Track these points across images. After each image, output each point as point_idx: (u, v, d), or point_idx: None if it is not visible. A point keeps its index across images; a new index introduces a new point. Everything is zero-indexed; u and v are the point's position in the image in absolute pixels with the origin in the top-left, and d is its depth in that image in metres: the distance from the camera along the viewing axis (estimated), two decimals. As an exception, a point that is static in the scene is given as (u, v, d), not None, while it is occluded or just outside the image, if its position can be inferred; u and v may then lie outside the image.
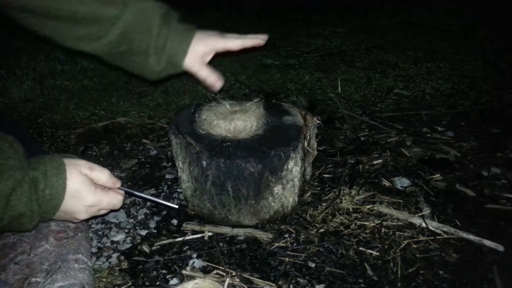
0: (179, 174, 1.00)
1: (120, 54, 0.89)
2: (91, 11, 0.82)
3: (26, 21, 0.84)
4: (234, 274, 0.83)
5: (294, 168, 0.94)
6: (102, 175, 0.76)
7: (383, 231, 0.95)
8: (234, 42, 0.92)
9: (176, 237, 0.94)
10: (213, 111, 0.99)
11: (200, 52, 0.90)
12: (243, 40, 0.93)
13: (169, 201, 0.88)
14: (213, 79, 0.92)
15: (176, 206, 0.88)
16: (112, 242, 0.94)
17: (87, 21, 0.83)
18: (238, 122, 0.95)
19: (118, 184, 0.80)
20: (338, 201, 1.03)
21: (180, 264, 0.86)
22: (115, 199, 0.78)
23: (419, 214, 0.99)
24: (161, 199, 0.87)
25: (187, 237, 0.94)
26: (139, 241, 0.94)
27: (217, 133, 0.96)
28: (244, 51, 0.97)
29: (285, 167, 0.92)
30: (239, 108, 1.00)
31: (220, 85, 0.92)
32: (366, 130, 1.41)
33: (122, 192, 0.81)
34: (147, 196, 0.86)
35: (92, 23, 0.84)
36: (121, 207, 0.87)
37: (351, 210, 1.01)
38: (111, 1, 0.83)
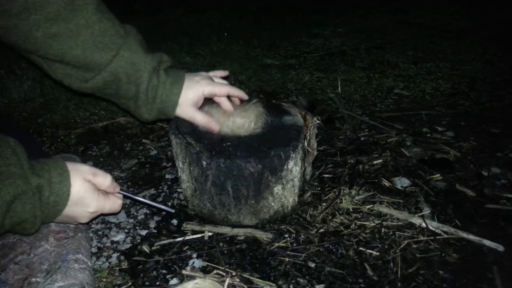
0: (179, 174, 1.00)
1: (107, 95, 0.94)
2: (79, 55, 0.85)
3: (18, 52, 0.88)
4: (234, 274, 0.83)
5: (294, 168, 0.94)
6: (105, 180, 0.77)
7: (383, 231, 0.95)
8: (221, 90, 0.96)
9: (176, 237, 0.94)
10: (214, 108, 0.99)
11: (190, 101, 0.94)
12: (229, 89, 0.98)
13: (167, 205, 0.89)
14: (207, 124, 0.95)
15: (173, 211, 0.90)
16: (112, 242, 0.94)
17: (73, 64, 0.86)
18: (237, 118, 0.96)
19: (118, 188, 0.81)
20: (338, 201, 1.03)
21: (180, 264, 0.86)
22: (116, 204, 0.80)
23: (419, 214, 0.99)
24: (158, 203, 0.88)
25: (187, 237, 0.94)
26: (139, 241, 0.94)
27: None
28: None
29: (285, 167, 0.92)
30: (239, 106, 1.00)
31: (217, 128, 0.95)
32: (366, 130, 1.41)
33: (121, 196, 0.82)
34: (144, 200, 0.87)
35: (79, 67, 0.87)
36: (120, 211, 0.89)
37: (351, 210, 1.01)
38: (105, 45, 0.86)
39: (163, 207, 0.90)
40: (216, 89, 0.96)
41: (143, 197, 0.91)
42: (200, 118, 0.95)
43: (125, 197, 0.85)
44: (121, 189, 0.83)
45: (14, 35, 0.82)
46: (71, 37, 0.83)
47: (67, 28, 0.82)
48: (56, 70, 0.88)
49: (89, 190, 0.74)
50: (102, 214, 0.83)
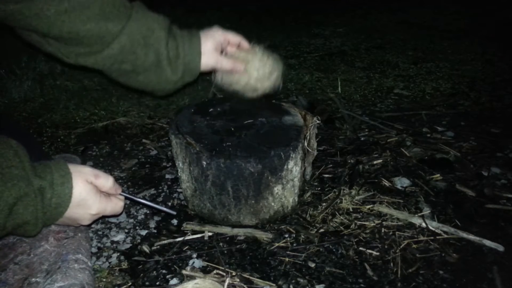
0: (179, 174, 1.00)
1: (124, 73, 0.91)
2: (92, 28, 0.84)
3: (29, 38, 0.86)
4: (234, 274, 0.83)
5: (294, 168, 0.94)
6: (107, 182, 0.77)
7: (383, 231, 0.95)
8: (234, 36, 0.99)
9: (176, 237, 0.94)
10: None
11: (211, 48, 0.95)
12: (242, 38, 1.00)
13: (168, 207, 0.89)
14: (234, 67, 0.98)
15: (174, 213, 0.90)
16: (112, 242, 0.94)
17: (88, 39, 0.85)
18: (259, 53, 1.00)
19: (120, 190, 0.81)
20: (338, 201, 1.03)
21: (180, 264, 0.86)
22: (117, 206, 0.80)
23: (419, 214, 0.99)
24: (159, 205, 0.89)
25: (187, 237, 0.94)
26: (139, 241, 0.94)
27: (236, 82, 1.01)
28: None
29: (285, 167, 0.92)
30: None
31: (242, 68, 0.98)
32: (366, 130, 1.41)
33: (123, 198, 0.82)
34: (146, 202, 0.88)
35: (94, 41, 0.85)
36: (122, 213, 0.89)
37: (351, 210, 1.01)
38: (115, 16, 0.85)
39: (164, 209, 0.90)
40: (230, 35, 0.98)
41: (144, 198, 0.91)
42: (225, 63, 0.97)
43: (126, 198, 0.85)
44: (122, 191, 0.83)
45: (26, 18, 0.81)
46: (82, 10, 0.82)
47: (77, 2, 0.82)
48: (70, 53, 0.87)
49: (91, 192, 0.74)
50: (103, 216, 0.83)
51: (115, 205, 0.79)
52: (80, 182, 0.72)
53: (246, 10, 2.96)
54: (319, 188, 1.10)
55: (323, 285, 0.81)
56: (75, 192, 0.71)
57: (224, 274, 0.83)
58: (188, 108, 1.09)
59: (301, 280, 0.82)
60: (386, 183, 1.11)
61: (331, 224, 0.97)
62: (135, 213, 1.03)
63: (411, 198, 1.05)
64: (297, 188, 0.99)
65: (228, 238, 0.93)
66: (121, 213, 0.85)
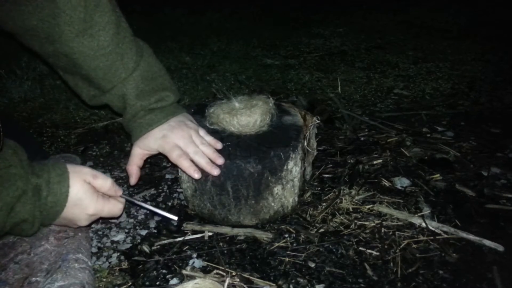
0: (179, 174, 1.00)
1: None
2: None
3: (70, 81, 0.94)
4: (234, 274, 0.83)
5: (294, 168, 0.94)
6: (105, 183, 0.77)
7: (383, 231, 0.95)
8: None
9: (176, 237, 0.94)
10: (221, 106, 1.01)
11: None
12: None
13: (170, 212, 0.89)
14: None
15: (175, 218, 0.90)
16: (112, 242, 0.94)
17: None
18: (241, 117, 0.97)
19: (120, 192, 0.81)
20: (338, 201, 1.03)
21: (180, 264, 0.86)
22: (115, 207, 0.79)
23: (419, 214, 0.99)
24: (160, 210, 0.88)
25: (187, 237, 0.94)
26: (139, 241, 0.94)
27: (223, 127, 0.98)
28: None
29: (285, 167, 0.92)
30: (245, 104, 1.01)
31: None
32: (366, 130, 1.41)
33: (123, 200, 0.82)
34: (147, 206, 0.87)
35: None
36: (121, 215, 0.89)
37: (351, 210, 1.01)
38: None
39: (166, 214, 0.89)
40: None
41: (146, 202, 0.91)
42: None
43: (127, 201, 0.84)
44: (123, 193, 0.82)
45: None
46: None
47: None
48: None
49: (87, 192, 0.73)
50: (102, 218, 0.83)
51: (113, 206, 0.79)
52: (77, 181, 0.72)
53: (246, 10, 2.97)
54: (319, 188, 1.10)
55: (323, 285, 0.81)
56: (71, 191, 0.71)
57: (224, 274, 0.83)
58: (188, 108, 1.09)
59: (301, 280, 0.82)
60: (386, 183, 1.11)
61: (331, 224, 0.97)
62: (135, 213, 1.03)
63: (411, 198, 1.05)
64: (297, 188, 0.99)
65: (228, 238, 0.93)
66: (120, 215, 0.85)
